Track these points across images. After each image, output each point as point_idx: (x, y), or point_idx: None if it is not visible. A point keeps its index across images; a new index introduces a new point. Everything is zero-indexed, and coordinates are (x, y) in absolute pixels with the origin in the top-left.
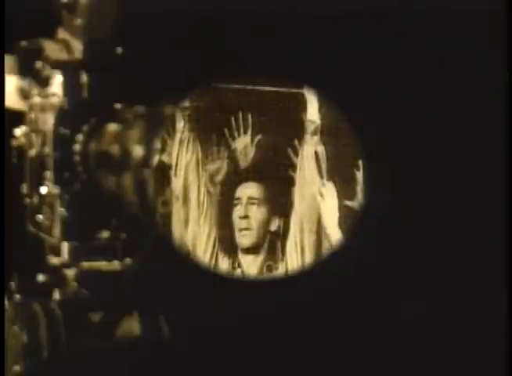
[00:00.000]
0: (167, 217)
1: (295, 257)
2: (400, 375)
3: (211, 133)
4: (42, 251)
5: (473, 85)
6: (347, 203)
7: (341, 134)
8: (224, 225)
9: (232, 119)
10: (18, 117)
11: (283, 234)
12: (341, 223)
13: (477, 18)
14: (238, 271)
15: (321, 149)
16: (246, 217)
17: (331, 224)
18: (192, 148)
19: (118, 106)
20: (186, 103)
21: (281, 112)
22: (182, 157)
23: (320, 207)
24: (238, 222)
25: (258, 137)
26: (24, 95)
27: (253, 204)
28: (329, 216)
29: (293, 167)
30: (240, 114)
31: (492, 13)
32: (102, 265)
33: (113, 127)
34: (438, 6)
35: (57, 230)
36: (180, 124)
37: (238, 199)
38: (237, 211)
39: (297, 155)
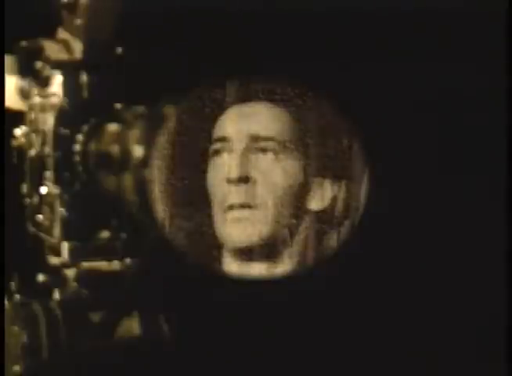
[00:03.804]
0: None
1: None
2: (400, 375)
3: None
4: (42, 251)
5: (472, 85)
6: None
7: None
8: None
9: None
10: (18, 117)
11: None
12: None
13: (476, 17)
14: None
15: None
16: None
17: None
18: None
19: (118, 106)
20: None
21: None
22: None
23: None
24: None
25: None
26: (24, 95)
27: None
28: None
29: None
30: None
31: (492, 13)
32: (102, 265)
33: (113, 127)
34: (438, 6)
35: (57, 230)
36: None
37: None
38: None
39: None
